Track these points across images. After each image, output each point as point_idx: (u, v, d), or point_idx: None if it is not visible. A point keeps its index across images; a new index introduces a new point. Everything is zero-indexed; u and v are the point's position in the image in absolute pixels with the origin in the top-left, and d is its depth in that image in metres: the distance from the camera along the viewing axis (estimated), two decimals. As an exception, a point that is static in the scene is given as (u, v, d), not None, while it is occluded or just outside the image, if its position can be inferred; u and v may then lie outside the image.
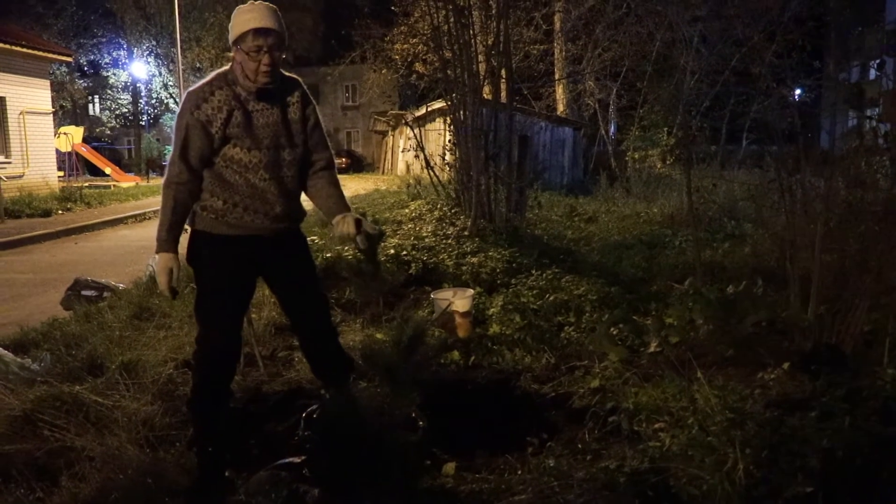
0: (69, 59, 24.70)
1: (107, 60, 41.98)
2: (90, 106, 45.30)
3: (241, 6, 3.00)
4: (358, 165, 43.36)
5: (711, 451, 2.69)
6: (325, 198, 3.30)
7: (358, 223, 3.19)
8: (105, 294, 6.56)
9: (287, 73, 3.18)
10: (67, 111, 40.70)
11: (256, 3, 2.97)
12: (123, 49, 41.00)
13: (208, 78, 3.06)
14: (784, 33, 6.02)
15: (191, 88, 3.05)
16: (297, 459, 2.92)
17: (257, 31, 2.90)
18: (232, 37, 2.98)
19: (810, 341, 3.92)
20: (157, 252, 2.98)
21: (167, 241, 2.98)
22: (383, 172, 36.69)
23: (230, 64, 3.09)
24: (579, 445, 3.21)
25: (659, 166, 17.71)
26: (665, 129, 17.93)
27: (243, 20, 2.93)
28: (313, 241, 6.05)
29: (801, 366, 3.68)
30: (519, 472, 2.93)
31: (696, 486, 2.58)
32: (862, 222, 4.05)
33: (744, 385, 3.49)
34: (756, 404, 3.12)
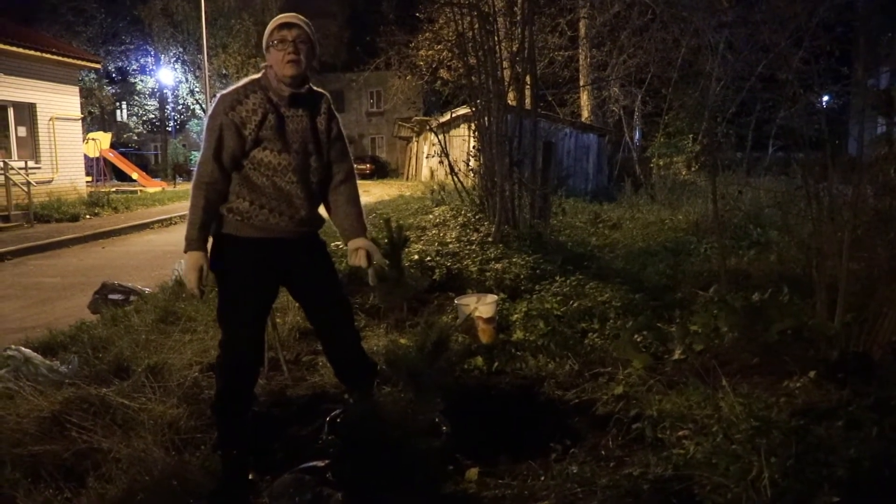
0: (98, 66, 24.99)
1: (134, 67, 42.57)
2: (118, 112, 45.86)
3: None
4: (382, 171, 43.52)
5: (736, 459, 2.67)
6: (343, 216, 3.39)
7: (369, 258, 3.32)
8: (131, 298, 6.62)
9: (315, 88, 3.25)
10: (95, 117, 41.24)
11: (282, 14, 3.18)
12: (151, 56, 41.59)
13: (241, 83, 3.14)
14: (812, 39, 5.96)
15: (224, 91, 3.12)
16: (320, 463, 2.93)
17: (282, 25, 3.07)
18: (264, 43, 3.11)
19: (837, 350, 3.88)
20: (186, 251, 3.00)
21: (197, 241, 3.00)
22: (407, 178, 36.78)
23: (263, 71, 3.15)
24: (602, 452, 3.20)
25: (684, 173, 17.57)
26: (690, 135, 17.79)
27: (273, 22, 3.12)
28: (338, 246, 6.08)
29: (827, 374, 3.64)
30: (542, 478, 2.92)
31: (721, 494, 2.57)
32: (891, 230, 4.00)
33: (769, 393, 3.46)
34: (781, 413, 3.09)
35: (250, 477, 3.06)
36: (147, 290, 6.97)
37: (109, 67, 41.25)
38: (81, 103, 22.75)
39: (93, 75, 37.29)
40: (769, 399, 3.31)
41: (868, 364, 3.74)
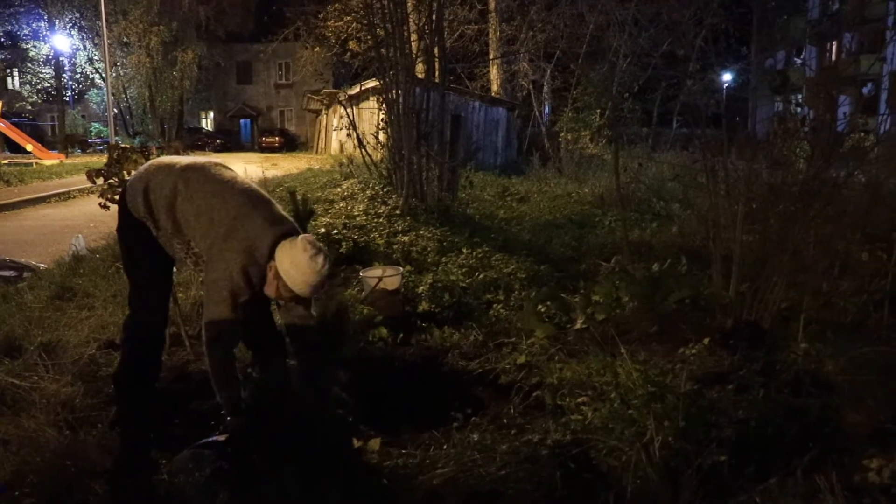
0: (-15, 30, 23.64)
1: (26, 32, 40.35)
2: (9, 79, 43.50)
3: (314, 259, 2.88)
4: (291, 144, 42.71)
5: (632, 423, 2.77)
6: None
7: None
8: (25, 274, 6.37)
9: None
10: (-17, 85, 39.06)
11: (324, 266, 2.91)
12: (44, 20, 39.44)
13: None
14: (712, 18, 6.11)
15: None
16: (221, 438, 2.89)
17: (312, 290, 2.97)
18: (288, 278, 2.90)
19: (731, 318, 4.05)
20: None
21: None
22: (317, 151, 36.26)
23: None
24: (504, 420, 3.25)
25: (591, 147, 17.93)
26: (597, 110, 18.14)
27: (313, 274, 2.89)
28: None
29: (721, 341, 3.80)
30: (444, 447, 2.95)
31: (616, 457, 2.65)
32: (781, 203, 4.17)
33: (666, 360, 3.59)
34: (676, 378, 3.20)
35: (150, 453, 2.98)
36: (42, 265, 6.71)
37: (-3, 31, 39.08)
38: (-33, 69, 21.54)
39: (-22, 39, 35.31)
40: (665, 365, 3.43)
41: (759, 331, 3.92)
